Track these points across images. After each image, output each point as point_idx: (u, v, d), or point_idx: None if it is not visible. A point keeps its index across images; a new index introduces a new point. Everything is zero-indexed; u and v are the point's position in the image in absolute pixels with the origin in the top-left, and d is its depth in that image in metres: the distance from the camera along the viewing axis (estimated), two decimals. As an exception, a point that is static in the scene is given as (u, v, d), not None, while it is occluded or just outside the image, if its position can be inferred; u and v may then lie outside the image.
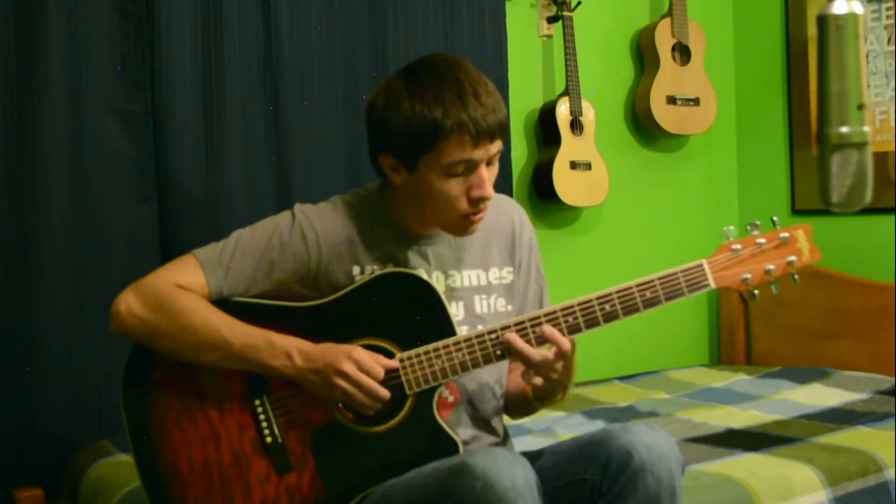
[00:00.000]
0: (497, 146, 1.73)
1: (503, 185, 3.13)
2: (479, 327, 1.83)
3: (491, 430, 1.90)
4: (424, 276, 1.79)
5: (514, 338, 1.70)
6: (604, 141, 3.39)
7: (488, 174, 1.73)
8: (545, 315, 1.72)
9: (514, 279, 1.92)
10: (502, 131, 1.72)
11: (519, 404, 1.94)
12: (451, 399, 1.83)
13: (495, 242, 1.91)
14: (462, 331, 1.80)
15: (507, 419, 2.00)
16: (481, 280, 1.88)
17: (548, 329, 1.70)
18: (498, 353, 1.72)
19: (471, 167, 1.71)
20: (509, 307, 1.90)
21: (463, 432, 1.85)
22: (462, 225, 1.77)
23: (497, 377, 1.88)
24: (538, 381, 1.73)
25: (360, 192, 1.89)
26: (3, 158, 2.52)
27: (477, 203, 1.74)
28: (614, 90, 3.58)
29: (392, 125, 1.71)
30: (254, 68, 2.81)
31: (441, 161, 1.69)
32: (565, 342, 1.69)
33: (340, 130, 2.88)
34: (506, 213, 1.93)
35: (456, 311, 1.83)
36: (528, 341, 1.72)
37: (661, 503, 1.64)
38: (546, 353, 1.70)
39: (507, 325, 1.73)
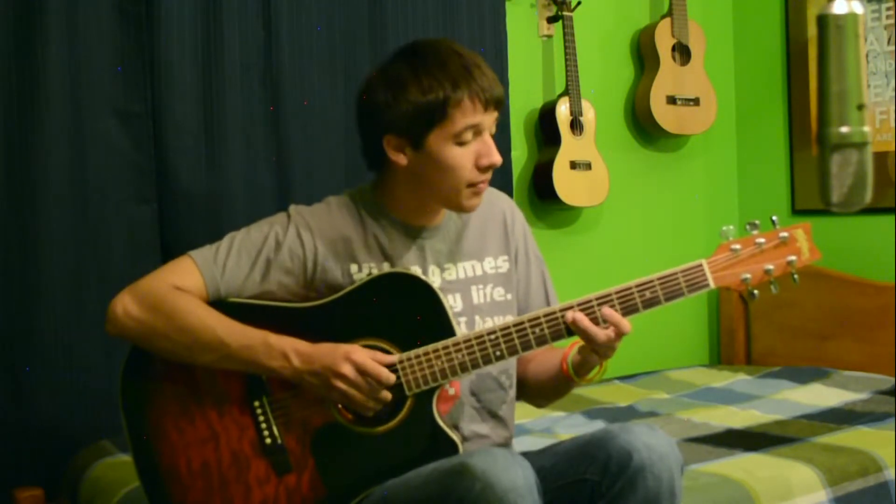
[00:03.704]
0: (496, 116, 1.79)
1: (503, 185, 3.13)
2: (477, 318, 1.85)
3: (500, 420, 1.90)
4: (424, 277, 1.79)
5: (580, 317, 1.70)
6: (604, 141, 3.39)
7: (494, 147, 1.78)
8: (544, 316, 1.72)
9: (510, 268, 1.93)
10: (502, 101, 1.79)
11: (551, 388, 1.93)
12: (451, 391, 1.83)
13: (489, 233, 1.92)
14: (460, 322, 1.80)
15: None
16: (476, 271, 1.89)
17: (608, 311, 1.70)
18: (498, 353, 1.72)
19: (477, 133, 1.75)
20: (508, 296, 1.91)
21: (469, 425, 1.85)
22: (467, 196, 1.79)
23: (502, 367, 1.87)
24: (596, 359, 1.75)
25: (353, 192, 1.90)
26: (4, 158, 2.52)
27: (485, 171, 1.77)
28: (614, 90, 3.58)
29: (399, 105, 1.74)
30: (254, 68, 2.81)
31: (452, 130, 1.73)
32: (626, 323, 1.70)
33: (340, 130, 2.88)
34: (497, 205, 1.96)
35: (454, 302, 1.84)
36: (528, 341, 1.72)
37: (660, 503, 1.64)
38: (609, 332, 1.70)
39: (507, 325, 1.73)
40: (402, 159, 1.79)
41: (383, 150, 1.79)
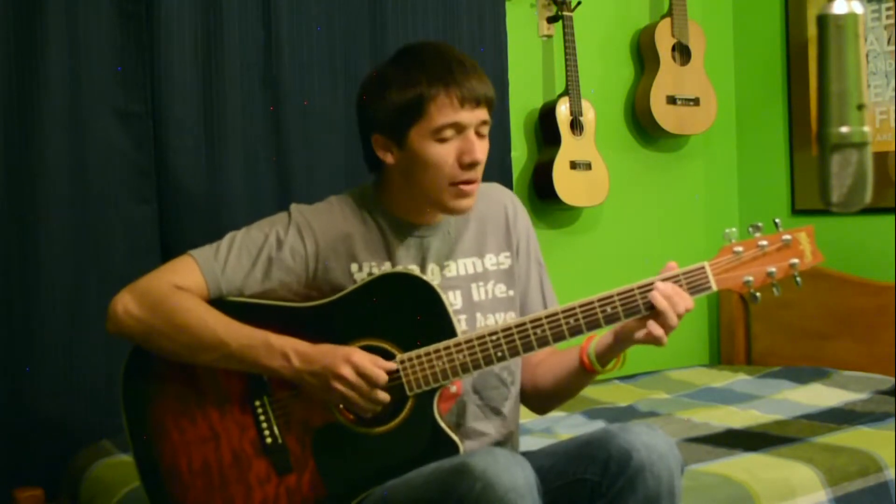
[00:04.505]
0: (484, 115, 1.78)
1: (503, 184, 3.12)
2: (478, 315, 1.85)
3: (503, 417, 1.90)
4: (425, 277, 1.79)
5: (656, 295, 1.70)
6: (604, 141, 3.39)
7: (480, 146, 1.77)
8: (546, 317, 1.72)
9: (512, 264, 1.92)
10: (488, 100, 1.78)
11: (565, 388, 1.91)
12: (453, 389, 1.83)
13: (490, 230, 1.92)
14: (461, 319, 1.80)
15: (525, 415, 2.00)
16: (477, 267, 1.89)
17: (672, 287, 1.70)
18: (499, 354, 1.72)
19: (459, 130, 1.75)
20: (510, 292, 1.91)
21: (471, 423, 1.85)
22: (455, 195, 1.78)
23: (503, 364, 1.87)
24: (660, 332, 1.71)
25: (354, 191, 1.91)
26: (3, 158, 2.52)
27: (468, 168, 1.76)
28: (614, 90, 3.58)
29: (381, 103, 1.77)
30: (254, 68, 2.81)
31: (430, 127, 1.74)
32: (690, 300, 1.71)
33: (340, 130, 2.88)
34: (498, 201, 1.95)
35: (453, 299, 1.84)
36: (530, 342, 1.72)
37: (660, 503, 1.64)
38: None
39: (509, 326, 1.73)
40: (389, 158, 1.81)
41: (374, 149, 1.82)
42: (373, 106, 1.80)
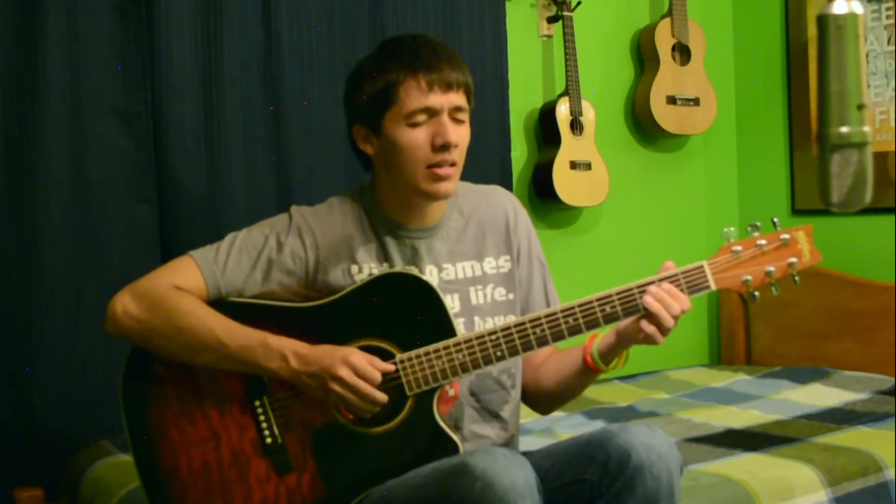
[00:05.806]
0: (457, 99, 1.78)
1: (503, 185, 3.12)
2: (476, 318, 1.85)
3: (502, 421, 1.90)
4: (424, 277, 1.79)
5: (648, 299, 1.70)
6: (604, 141, 3.39)
7: (455, 130, 1.77)
8: (545, 316, 1.72)
9: (512, 268, 1.92)
10: (461, 85, 1.78)
11: (568, 388, 1.91)
12: (451, 392, 1.83)
13: (489, 233, 1.92)
14: (459, 323, 1.80)
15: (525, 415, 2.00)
16: (476, 271, 1.89)
17: (670, 287, 1.70)
18: (498, 354, 1.72)
19: (431, 114, 1.76)
20: (510, 296, 1.91)
21: (469, 426, 1.85)
22: (430, 179, 1.78)
23: (503, 367, 1.87)
24: (652, 329, 1.71)
25: (354, 192, 1.91)
26: (4, 158, 2.52)
27: (440, 150, 1.76)
28: (614, 90, 3.58)
29: (358, 94, 1.80)
30: (254, 68, 2.81)
31: (402, 112, 1.76)
32: (687, 301, 1.71)
33: (340, 130, 2.86)
34: (499, 204, 1.95)
35: (451, 303, 1.84)
36: (529, 341, 1.72)
37: (659, 503, 1.64)
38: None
39: (508, 326, 1.73)
40: (370, 149, 1.83)
41: (357, 143, 1.84)
42: (352, 98, 1.84)
